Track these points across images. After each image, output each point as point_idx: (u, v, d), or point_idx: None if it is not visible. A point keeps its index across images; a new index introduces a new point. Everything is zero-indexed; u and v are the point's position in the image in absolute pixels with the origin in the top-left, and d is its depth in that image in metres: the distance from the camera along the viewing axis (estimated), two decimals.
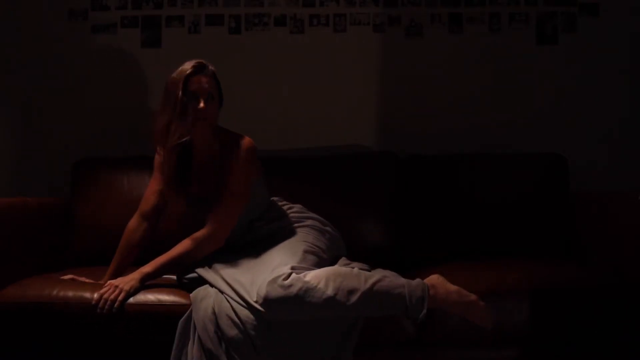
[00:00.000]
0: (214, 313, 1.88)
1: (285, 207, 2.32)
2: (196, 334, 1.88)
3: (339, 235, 2.32)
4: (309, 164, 2.72)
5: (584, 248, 2.52)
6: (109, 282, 2.04)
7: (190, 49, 2.93)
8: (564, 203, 2.62)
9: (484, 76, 2.93)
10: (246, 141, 2.15)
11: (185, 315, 1.94)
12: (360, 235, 2.58)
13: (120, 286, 1.99)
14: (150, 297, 2.01)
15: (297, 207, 2.35)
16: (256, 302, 1.83)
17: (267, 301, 1.81)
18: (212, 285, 1.99)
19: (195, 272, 2.07)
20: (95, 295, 1.98)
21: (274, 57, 2.95)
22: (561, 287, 2.08)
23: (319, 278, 1.85)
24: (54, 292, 2.03)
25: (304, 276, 1.85)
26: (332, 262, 2.12)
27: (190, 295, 1.99)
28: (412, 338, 2.00)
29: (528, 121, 2.91)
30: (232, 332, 1.83)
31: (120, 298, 1.96)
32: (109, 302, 1.96)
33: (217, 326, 1.86)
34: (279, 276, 1.83)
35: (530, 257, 2.39)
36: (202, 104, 2.05)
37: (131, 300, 1.98)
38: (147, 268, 2.04)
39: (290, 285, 1.81)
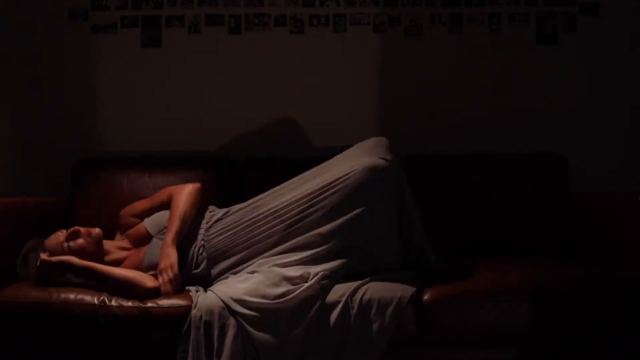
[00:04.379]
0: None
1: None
2: (201, 330, 1.94)
3: None
4: (309, 164, 2.71)
5: (584, 248, 2.53)
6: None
7: (190, 49, 2.93)
8: (563, 203, 2.62)
9: (484, 76, 2.93)
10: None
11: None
12: None
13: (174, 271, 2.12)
14: (148, 301, 2.03)
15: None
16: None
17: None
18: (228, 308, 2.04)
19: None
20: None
21: (274, 57, 2.95)
22: (561, 286, 2.08)
23: None
24: (55, 294, 2.03)
25: None
26: None
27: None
28: (412, 338, 2.01)
29: (528, 121, 2.91)
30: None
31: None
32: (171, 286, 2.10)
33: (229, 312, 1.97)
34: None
35: (530, 257, 2.39)
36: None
37: (130, 303, 2.01)
38: (171, 236, 2.21)
39: None
